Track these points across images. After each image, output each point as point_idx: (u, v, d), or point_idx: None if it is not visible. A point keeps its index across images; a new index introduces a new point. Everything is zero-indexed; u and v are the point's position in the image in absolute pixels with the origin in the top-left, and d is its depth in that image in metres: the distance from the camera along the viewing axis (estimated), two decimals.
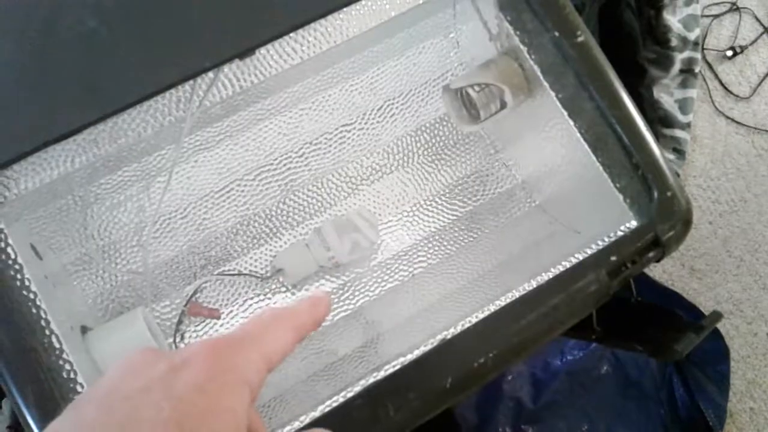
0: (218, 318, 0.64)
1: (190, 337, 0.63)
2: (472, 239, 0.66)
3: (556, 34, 0.52)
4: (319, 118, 0.64)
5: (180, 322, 0.63)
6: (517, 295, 0.49)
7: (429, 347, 0.47)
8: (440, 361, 0.46)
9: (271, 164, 0.64)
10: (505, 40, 0.57)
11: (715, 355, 0.97)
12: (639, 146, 0.51)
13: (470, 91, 0.57)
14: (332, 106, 0.64)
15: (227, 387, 0.26)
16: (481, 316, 0.49)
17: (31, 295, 0.47)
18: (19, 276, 0.47)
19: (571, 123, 0.54)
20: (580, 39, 0.52)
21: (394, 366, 0.47)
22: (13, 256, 0.47)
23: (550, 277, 0.49)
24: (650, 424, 0.95)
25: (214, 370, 0.26)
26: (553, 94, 0.54)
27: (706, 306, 1.03)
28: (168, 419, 0.24)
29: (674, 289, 0.98)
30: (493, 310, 0.48)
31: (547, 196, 0.66)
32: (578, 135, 0.54)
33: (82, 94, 0.48)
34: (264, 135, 0.63)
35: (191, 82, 0.51)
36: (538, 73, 0.55)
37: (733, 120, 1.14)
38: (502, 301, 0.49)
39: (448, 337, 0.48)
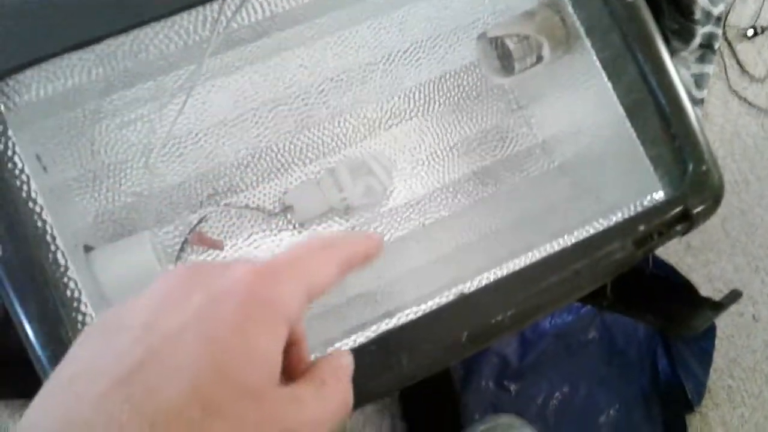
0: (221, 249, 0.62)
1: None
2: (486, 194, 0.65)
3: None
4: (343, 54, 0.62)
5: (182, 249, 0.61)
6: (538, 255, 0.48)
7: (446, 299, 0.46)
8: (457, 315, 0.45)
9: (290, 97, 0.62)
10: None
11: (700, 332, 0.98)
12: (679, 116, 0.49)
13: (508, 41, 0.54)
14: (358, 43, 0.62)
15: (266, 326, 0.24)
16: (500, 273, 0.48)
17: (38, 208, 0.45)
18: (25, 187, 0.45)
19: (609, 85, 0.52)
20: None
21: (407, 315, 0.46)
22: (20, 166, 0.45)
23: (575, 241, 0.48)
24: (630, 392, 0.96)
25: (254, 306, 0.24)
26: (593, 52, 0.52)
27: (697, 282, 1.03)
28: (201, 364, 0.22)
29: (668, 263, 0.99)
30: (513, 269, 0.47)
31: (568, 157, 0.64)
32: (615, 98, 0.52)
33: (105, 3, 0.45)
34: (285, 66, 0.60)
35: (220, 1, 0.48)
36: (580, 29, 0.52)
37: (745, 100, 1.13)
38: (522, 260, 0.48)
39: (466, 291, 0.47)
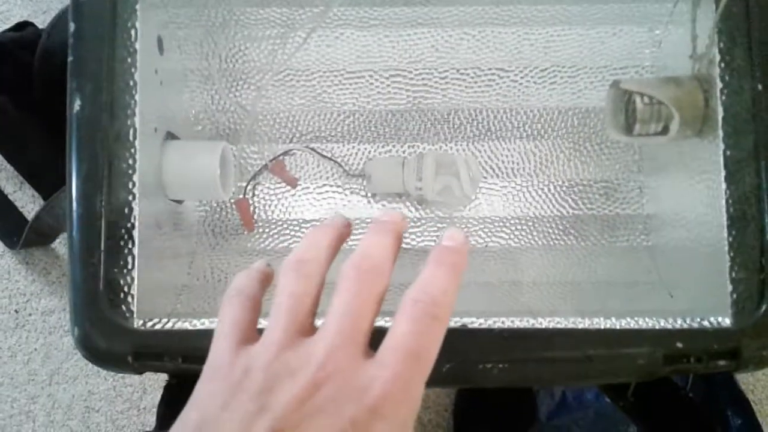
0: (294, 187, 0.63)
1: (261, 190, 0.63)
2: (563, 243, 0.61)
3: (760, 87, 0.44)
4: (478, 51, 0.60)
5: (260, 172, 0.63)
6: (561, 323, 0.45)
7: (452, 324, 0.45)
8: (447, 344, 0.44)
9: (411, 72, 0.61)
10: (705, 66, 0.49)
11: None
12: None
13: (637, 99, 0.50)
14: (497, 45, 0.59)
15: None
16: (518, 324, 0.46)
17: (130, 82, 0.47)
18: (129, 59, 0.48)
19: (724, 187, 0.47)
20: None
21: None
22: (132, 38, 0.48)
23: (601, 327, 0.44)
24: None
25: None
26: (722, 146, 0.47)
27: None
28: None
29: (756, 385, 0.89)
30: (531, 326, 0.45)
31: (662, 243, 0.59)
32: (724, 203, 0.47)
33: None
34: (417, 41, 0.59)
35: None
36: (720, 117, 0.47)
37: None
38: (544, 322, 0.45)
39: (471, 325, 0.45)
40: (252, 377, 0.27)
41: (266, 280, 0.34)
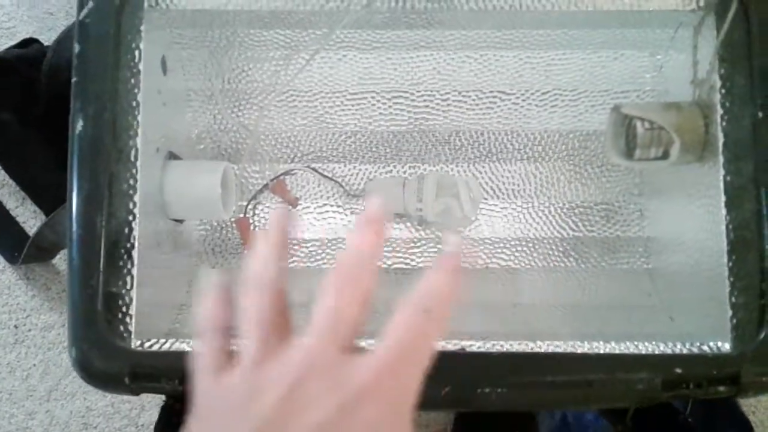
0: (294, 207, 0.64)
1: (261, 210, 0.63)
2: (563, 266, 0.61)
3: (760, 114, 0.44)
4: (480, 74, 0.60)
5: (261, 192, 0.64)
6: (561, 347, 0.45)
7: (450, 347, 0.45)
8: (446, 368, 0.43)
9: (413, 94, 0.61)
10: (706, 92, 0.49)
11: None
12: None
13: (638, 124, 0.50)
14: (499, 68, 0.60)
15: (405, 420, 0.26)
16: (517, 348, 0.46)
17: (133, 102, 0.48)
18: (132, 80, 0.48)
19: (724, 212, 0.47)
20: None
21: None
22: (136, 59, 0.48)
23: (601, 351, 0.44)
24: None
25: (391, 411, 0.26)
26: (722, 172, 0.47)
27: None
28: None
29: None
30: (529, 350, 0.45)
31: (662, 266, 0.59)
32: (724, 228, 0.47)
33: None
34: (419, 64, 0.60)
35: None
36: (720, 143, 0.47)
37: None
38: (543, 346, 0.45)
39: (470, 349, 0.45)
40: (236, 391, 0.27)
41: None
